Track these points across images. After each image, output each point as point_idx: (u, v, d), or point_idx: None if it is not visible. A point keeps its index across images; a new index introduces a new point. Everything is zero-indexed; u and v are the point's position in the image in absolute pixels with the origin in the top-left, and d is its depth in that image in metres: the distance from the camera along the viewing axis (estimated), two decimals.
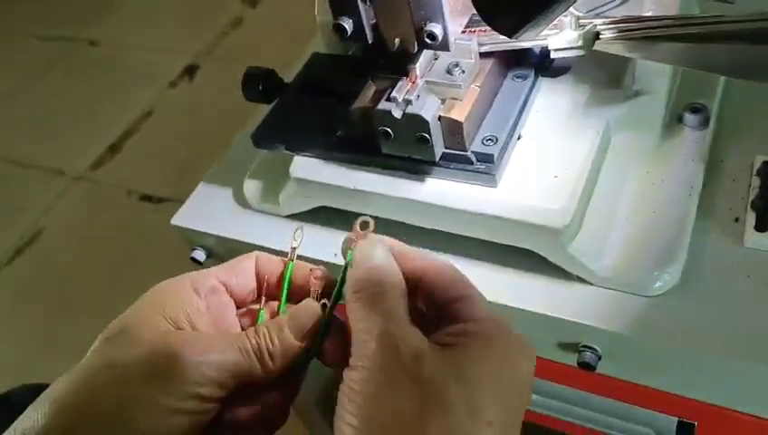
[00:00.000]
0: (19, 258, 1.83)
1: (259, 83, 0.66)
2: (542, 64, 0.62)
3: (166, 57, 2.28)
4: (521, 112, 0.58)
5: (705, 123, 0.62)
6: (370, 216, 0.41)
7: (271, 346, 0.39)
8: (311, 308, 0.41)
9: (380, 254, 0.39)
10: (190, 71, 2.22)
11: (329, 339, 0.41)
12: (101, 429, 0.35)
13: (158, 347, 0.37)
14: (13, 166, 2.08)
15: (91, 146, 2.06)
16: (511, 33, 0.43)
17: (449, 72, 0.54)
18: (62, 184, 1.99)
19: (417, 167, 0.57)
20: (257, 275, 0.43)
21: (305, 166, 0.62)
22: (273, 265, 0.43)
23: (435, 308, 0.38)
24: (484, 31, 0.56)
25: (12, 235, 1.89)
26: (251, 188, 0.68)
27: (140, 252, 1.68)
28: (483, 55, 0.57)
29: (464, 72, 0.54)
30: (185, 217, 0.70)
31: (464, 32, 0.56)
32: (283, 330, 0.39)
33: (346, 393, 0.34)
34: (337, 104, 0.61)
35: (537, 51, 0.62)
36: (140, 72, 2.25)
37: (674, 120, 0.63)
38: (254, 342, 0.38)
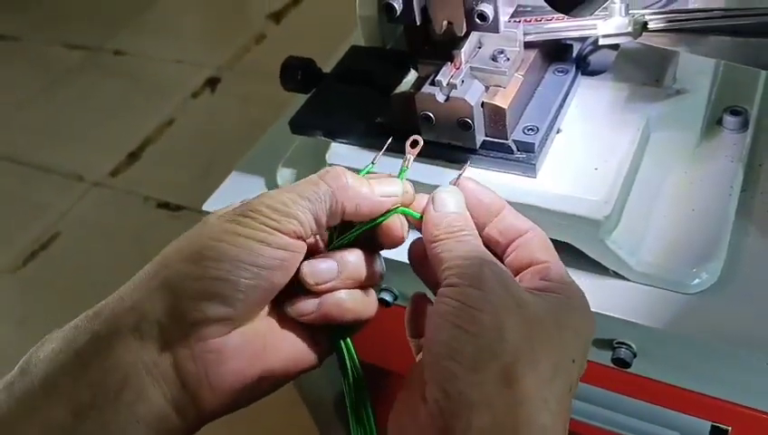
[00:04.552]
0: (34, 261, 1.84)
1: (298, 72, 0.66)
2: (580, 65, 0.63)
3: (189, 69, 2.31)
4: (562, 105, 0.58)
5: (744, 126, 0.62)
6: None
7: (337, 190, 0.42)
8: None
9: (456, 203, 0.42)
10: (212, 83, 2.24)
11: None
12: (206, 264, 0.38)
13: (233, 212, 0.41)
14: (33, 169, 2.10)
15: (111, 153, 2.08)
16: (567, 9, 0.43)
17: (494, 58, 0.54)
18: (81, 189, 2.00)
19: (456, 155, 0.57)
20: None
21: (342, 153, 0.61)
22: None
23: (518, 267, 0.42)
24: (530, 21, 0.56)
25: (28, 237, 1.89)
26: (285, 175, 0.68)
27: None
28: (526, 47, 0.57)
29: (508, 59, 0.54)
30: (216, 204, 0.69)
31: (509, 22, 0.56)
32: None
33: (443, 306, 0.36)
34: (376, 93, 0.61)
35: (575, 52, 0.62)
36: (163, 83, 2.28)
37: (713, 123, 0.63)
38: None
